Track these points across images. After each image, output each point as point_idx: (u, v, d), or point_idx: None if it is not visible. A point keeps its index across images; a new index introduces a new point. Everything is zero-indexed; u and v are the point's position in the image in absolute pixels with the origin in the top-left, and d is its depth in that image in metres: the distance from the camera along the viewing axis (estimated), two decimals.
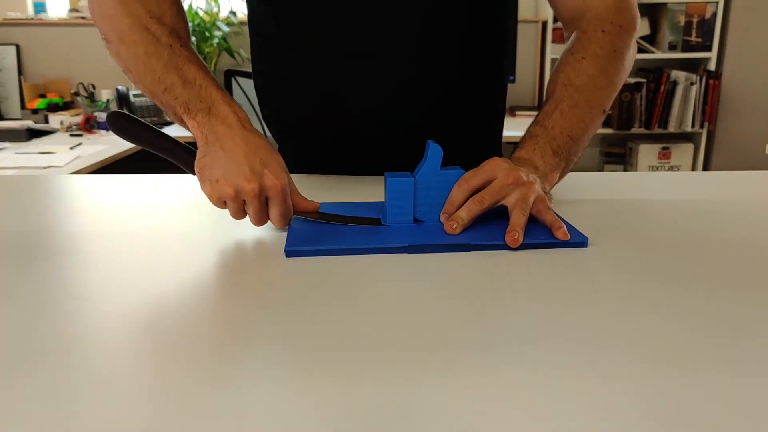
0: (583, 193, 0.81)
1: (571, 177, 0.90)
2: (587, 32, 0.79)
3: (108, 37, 0.73)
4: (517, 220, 0.61)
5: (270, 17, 0.87)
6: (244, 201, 0.62)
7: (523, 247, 0.60)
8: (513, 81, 2.95)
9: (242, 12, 3.16)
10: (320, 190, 0.81)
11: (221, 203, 0.63)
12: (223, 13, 3.13)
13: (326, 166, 0.91)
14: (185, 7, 3.16)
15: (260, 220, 0.63)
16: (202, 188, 0.64)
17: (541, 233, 0.62)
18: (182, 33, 0.72)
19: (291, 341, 0.42)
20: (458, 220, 0.63)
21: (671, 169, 3.31)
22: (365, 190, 0.80)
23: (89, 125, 2.65)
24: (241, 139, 0.63)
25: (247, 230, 0.66)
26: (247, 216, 0.64)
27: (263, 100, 0.96)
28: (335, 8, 0.83)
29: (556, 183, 0.72)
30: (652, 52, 3.22)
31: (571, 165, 0.74)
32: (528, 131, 0.74)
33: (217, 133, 0.64)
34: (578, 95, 0.75)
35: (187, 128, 0.69)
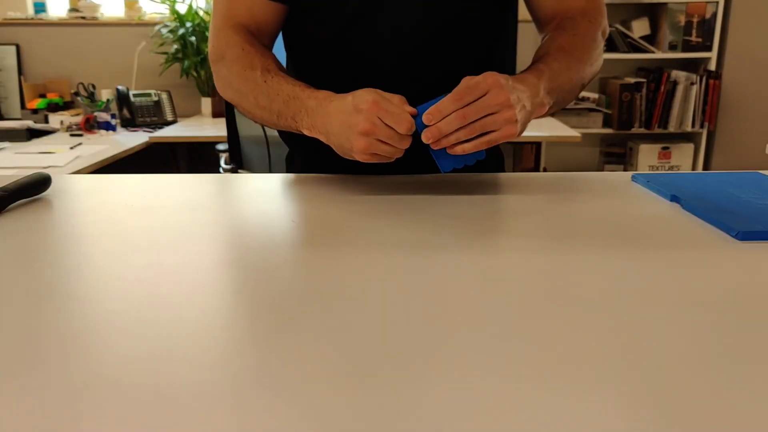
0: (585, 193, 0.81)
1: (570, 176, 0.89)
2: (575, 19, 0.87)
3: (235, 101, 0.89)
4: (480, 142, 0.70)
5: (292, 25, 0.93)
6: (380, 140, 0.69)
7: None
8: None
9: None
10: (327, 189, 0.81)
11: (373, 155, 0.71)
12: None
13: (333, 168, 0.92)
14: (185, 7, 3.15)
15: (396, 137, 0.69)
16: (357, 159, 0.72)
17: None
18: (271, 66, 0.83)
19: (293, 341, 0.42)
20: (434, 132, 0.69)
21: (671, 169, 3.31)
22: (370, 189, 0.80)
23: (89, 125, 2.65)
24: (334, 109, 0.73)
25: (247, 230, 0.66)
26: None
27: None
28: (350, 20, 0.87)
29: (543, 116, 0.81)
30: (652, 52, 3.22)
31: (553, 111, 0.83)
32: (534, 66, 0.81)
33: (322, 122, 0.74)
34: (570, 59, 0.83)
35: (306, 134, 0.79)
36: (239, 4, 0.87)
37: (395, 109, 0.69)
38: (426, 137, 0.70)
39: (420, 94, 0.87)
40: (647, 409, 0.34)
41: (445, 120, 0.69)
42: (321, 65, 0.91)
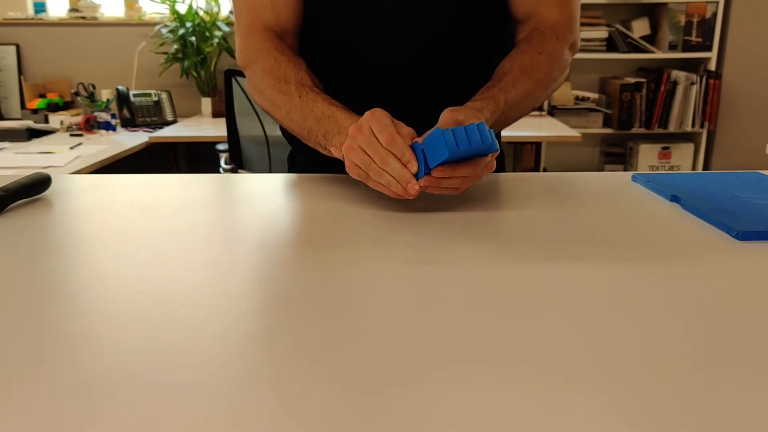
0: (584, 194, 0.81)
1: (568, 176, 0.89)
2: (545, 33, 0.87)
3: (266, 109, 0.89)
4: (455, 183, 0.69)
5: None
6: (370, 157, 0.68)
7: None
8: None
9: None
10: (327, 189, 0.81)
11: (356, 167, 0.70)
12: (223, 13, 3.13)
13: (334, 167, 0.92)
14: (185, 7, 3.14)
15: (377, 151, 0.68)
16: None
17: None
18: (305, 79, 0.83)
19: (293, 341, 0.42)
20: (433, 183, 0.68)
21: (671, 169, 3.31)
22: (369, 189, 0.80)
23: (89, 125, 2.65)
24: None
25: (247, 230, 0.66)
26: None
27: None
28: (349, 15, 0.87)
29: None
30: (653, 52, 3.22)
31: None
32: (492, 93, 0.80)
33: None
34: (529, 85, 0.83)
35: (334, 156, 0.78)
36: (262, 7, 0.88)
37: (366, 133, 0.69)
38: (425, 182, 0.68)
39: (423, 90, 0.87)
40: (647, 410, 0.34)
41: (449, 181, 0.68)
42: (322, 60, 0.91)
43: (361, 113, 0.78)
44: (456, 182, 0.69)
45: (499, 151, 0.69)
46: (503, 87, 0.81)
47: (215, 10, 3.08)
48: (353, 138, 0.69)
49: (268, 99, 0.87)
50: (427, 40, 0.87)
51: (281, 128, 1.03)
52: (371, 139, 0.68)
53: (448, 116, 0.71)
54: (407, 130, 0.69)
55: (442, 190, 0.70)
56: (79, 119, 2.71)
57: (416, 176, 0.67)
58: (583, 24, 3.20)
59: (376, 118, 0.69)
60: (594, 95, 3.30)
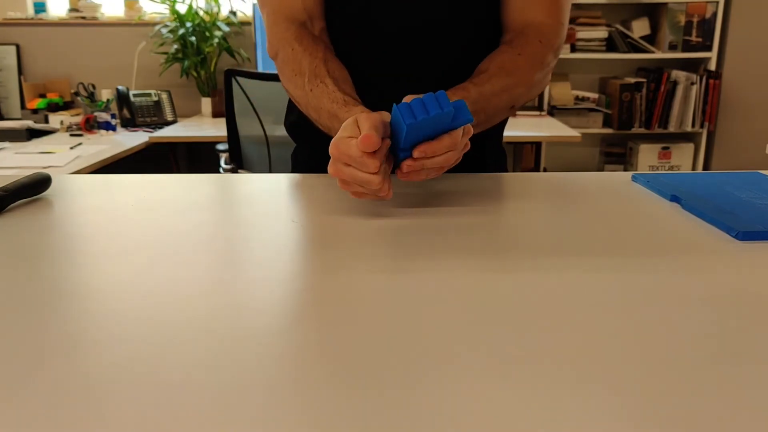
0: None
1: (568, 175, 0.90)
2: (528, 36, 0.86)
3: (294, 101, 0.88)
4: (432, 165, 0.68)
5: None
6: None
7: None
8: None
9: (242, 12, 3.16)
10: (327, 189, 0.81)
11: (339, 182, 0.69)
12: (223, 13, 3.14)
13: None
14: (185, 7, 3.13)
15: (342, 171, 0.67)
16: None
17: None
18: (319, 69, 0.81)
19: (292, 341, 0.42)
20: (418, 166, 0.67)
21: (671, 169, 3.31)
22: None
23: (89, 125, 2.65)
24: None
25: (247, 230, 0.66)
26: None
27: (288, 107, 1.02)
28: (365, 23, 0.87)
29: None
30: (653, 52, 3.22)
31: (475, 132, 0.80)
32: (465, 86, 0.80)
33: None
34: (508, 81, 0.83)
35: None
36: None
37: (340, 135, 0.67)
38: (408, 166, 0.67)
39: (437, 71, 0.87)
40: (647, 410, 0.34)
41: (433, 160, 0.67)
42: (342, 38, 0.90)
43: (367, 99, 0.77)
44: (439, 160, 0.67)
45: (473, 121, 0.67)
46: (477, 82, 0.81)
47: (215, 10, 3.08)
48: (336, 159, 0.68)
49: (291, 93, 0.87)
50: (446, 20, 0.87)
51: (285, 124, 1.03)
52: (337, 161, 0.67)
53: (407, 99, 0.69)
54: (371, 124, 0.65)
55: (427, 173, 0.69)
56: (79, 119, 2.71)
57: (397, 164, 0.68)
58: (583, 24, 3.20)
59: (336, 137, 0.67)
60: (594, 95, 3.30)
